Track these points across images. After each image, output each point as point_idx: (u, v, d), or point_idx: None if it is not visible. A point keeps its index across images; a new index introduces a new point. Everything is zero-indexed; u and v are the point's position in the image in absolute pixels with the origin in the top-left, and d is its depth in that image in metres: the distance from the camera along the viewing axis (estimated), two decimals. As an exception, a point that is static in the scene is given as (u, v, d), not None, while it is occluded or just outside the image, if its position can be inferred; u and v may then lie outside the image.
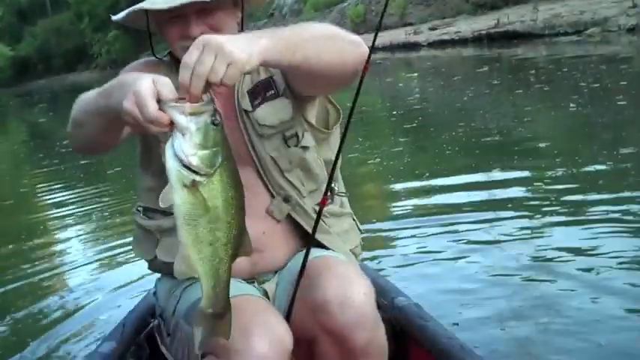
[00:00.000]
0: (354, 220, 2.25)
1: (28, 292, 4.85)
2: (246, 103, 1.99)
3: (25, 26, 71.06)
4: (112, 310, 4.06)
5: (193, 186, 1.39)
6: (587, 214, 4.71)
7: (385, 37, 29.08)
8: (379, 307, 1.93)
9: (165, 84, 1.43)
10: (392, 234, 4.98)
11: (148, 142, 2.03)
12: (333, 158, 2.10)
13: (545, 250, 4.16)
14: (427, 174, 6.66)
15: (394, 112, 11.96)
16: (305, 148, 2.03)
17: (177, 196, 1.40)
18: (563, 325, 3.16)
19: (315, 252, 1.94)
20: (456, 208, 5.27)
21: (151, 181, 2.07)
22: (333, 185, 2.12)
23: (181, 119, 1.38)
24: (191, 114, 1.38)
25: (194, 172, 1.39)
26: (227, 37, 1.50)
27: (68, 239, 6.31)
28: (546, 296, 3.50)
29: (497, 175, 6.20)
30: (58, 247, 6.09)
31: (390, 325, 2.04)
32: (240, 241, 1.48)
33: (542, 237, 4.41)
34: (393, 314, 2.30)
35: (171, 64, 2.05)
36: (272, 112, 1.99)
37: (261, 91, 2.00)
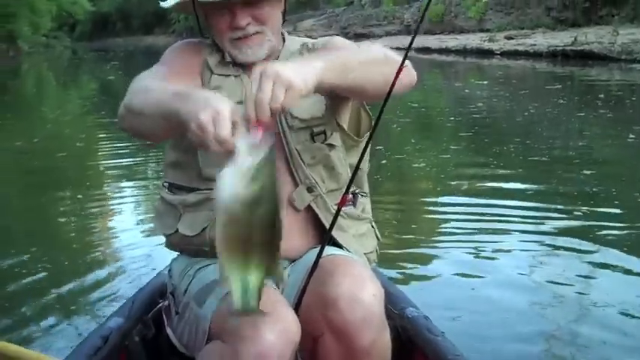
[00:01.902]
0: (372, 226, 2.26)
1: (44, 249, 4.95)
2: None
3: (109, -17, 72.23)
4: (125, 283, 4.15)
5: (240, 210, 1.45)
6: (623, 239, 4.78)
7: (460, 41, 28.86)
8: (388, 316, 1.93)
9: (237, 114, 1.50)
10: (423, 240, 5.02)
11: None
12: (363, 166, 2.12)
13: (583, 268, 4.24)
14: (467, 185, 6.66)
15: (452, 118, 11.88)
16: (331, 146, 2.06)
17: (223, 218, 1.46)
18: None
19: (330, 250, 1.96)
20: (494, 220, 5.31)
21: (179, 156, 2.10)
22: (355, 189, 2.15)
23: (245, 151, 1.45)
24: (254, 147, 1.46)
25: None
26: (282, 63, 1.59)
27: (106, 203, 6.44)
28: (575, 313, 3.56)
29: (538, 192, 6.25)
30: (95, 209, 6.19)
31: (397, 335, 2.03)
32: (273, 255, 1.54)
33: (580, 257, 4.47)
34: (402, 324, 2.28)
35: (212, 46, 2.13)
36: (305, 107, 2.00)
37: None
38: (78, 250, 5.00)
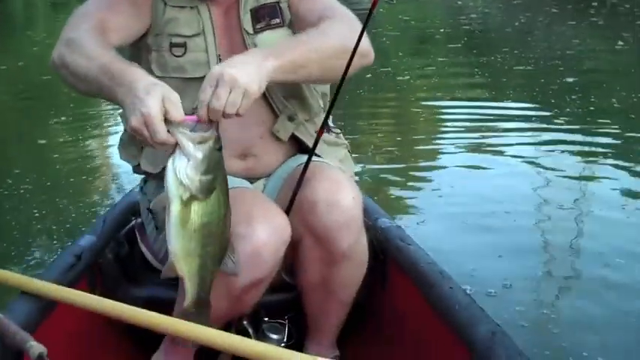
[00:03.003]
0: (349, 152, 2.22)
1: (24, 170, 4.97)
2: (247, 23, 1.95)
3: None
4: (96, 203, 4.17)
5: (191, 204, 1.43)
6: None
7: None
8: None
9: (174, 103, 1.43)
10: (406, 140, 5.17)
11: (138, 53, 1.99)
12: (327, 92, 2.08)
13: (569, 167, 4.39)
14: (447, 94, 6.72)
15: (442, 30, 11.74)
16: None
17: (173, 208, 1.43)
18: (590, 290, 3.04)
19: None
20: (470, 131, 5.38)
21: None
22: (329, 120, 2.06)
23: (189, 147, 1.41)
24: (199, 142, 1.42)
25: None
26: (237, 67, 1.52)
27: (89, 124, 6.42)
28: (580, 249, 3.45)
29: (518, 99, 6.37)
30: (77, 131, 6.19)
31: (371, 246, 1.99)
32: (225, 252, 1.53)
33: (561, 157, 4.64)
34: (375, 234, 2.25)
35: None
36: (273, 42, 1.90)
37: (266, 16, 1.95)
38: (55, 170, 5.02)
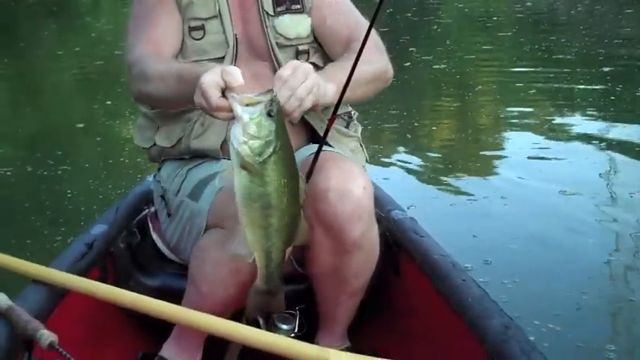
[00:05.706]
0: (361, 145, 2.24)
1: (51, 153, 5.10)
2: (268, 4, 2.02)
3: None
4: (109, 195, 4.18)
5: (247, 171, 1.43)
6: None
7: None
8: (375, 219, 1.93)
9: (231, 73, 1.48)
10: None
11: None
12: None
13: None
14: (479, 84, 6.77)
15: (495, 18, 11.64)
16: (314, 65, 1.96)
17: (235, 177, 1.44)
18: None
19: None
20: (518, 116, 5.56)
21: None
22: (349, 110, 2.15)
23: (237, 109, 1.42)
24: (246, 104, 1.42)
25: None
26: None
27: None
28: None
29: (551, 86, 6.41)
30: (120, 115, 6.38)
31: (383, 238, 1.99)
32: (295, 230, 1.52)
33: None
34: (388, 226, 2.24)
35: None
36: (292, 25, 2.01)
37: (287, 0, 2.03)
38: (83, 156, 5.17)
